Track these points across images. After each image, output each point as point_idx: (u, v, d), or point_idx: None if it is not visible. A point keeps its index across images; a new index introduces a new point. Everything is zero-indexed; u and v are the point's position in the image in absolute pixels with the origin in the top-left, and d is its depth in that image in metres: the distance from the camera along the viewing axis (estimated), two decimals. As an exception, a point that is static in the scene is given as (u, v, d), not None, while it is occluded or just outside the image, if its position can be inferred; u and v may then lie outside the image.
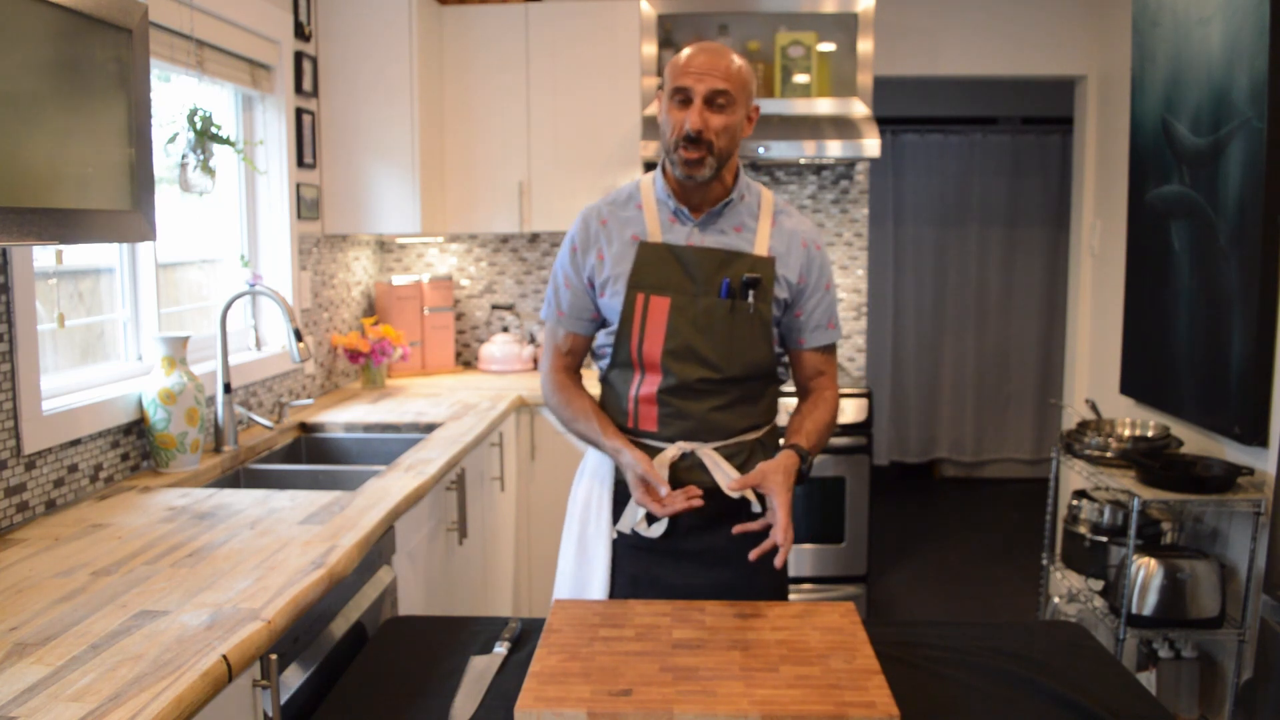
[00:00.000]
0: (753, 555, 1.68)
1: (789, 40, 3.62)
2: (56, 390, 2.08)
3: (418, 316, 3.79)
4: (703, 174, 1.78)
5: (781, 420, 1.95)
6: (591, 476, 1.91)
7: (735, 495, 1.77)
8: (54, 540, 1.76)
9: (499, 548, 3.15)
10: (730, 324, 1.80)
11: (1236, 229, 2.59)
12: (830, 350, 1.93)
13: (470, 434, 2.68)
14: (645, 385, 1.83)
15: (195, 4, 2.46)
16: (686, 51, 1.79)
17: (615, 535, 1.86)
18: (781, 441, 1.85)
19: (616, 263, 1.84)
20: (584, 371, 1.97)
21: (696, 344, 1.79)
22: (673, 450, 1.81)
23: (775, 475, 1.71)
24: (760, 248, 1.84)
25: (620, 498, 1.87)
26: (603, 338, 1.90)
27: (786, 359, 1.95)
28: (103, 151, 1.72)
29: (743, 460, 1.84)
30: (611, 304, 1.84)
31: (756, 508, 1.82)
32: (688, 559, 1.83)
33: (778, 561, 1.64)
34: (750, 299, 1.80)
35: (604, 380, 1.92)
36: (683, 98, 1.75)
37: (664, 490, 1.71)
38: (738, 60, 1.77)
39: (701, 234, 1.84)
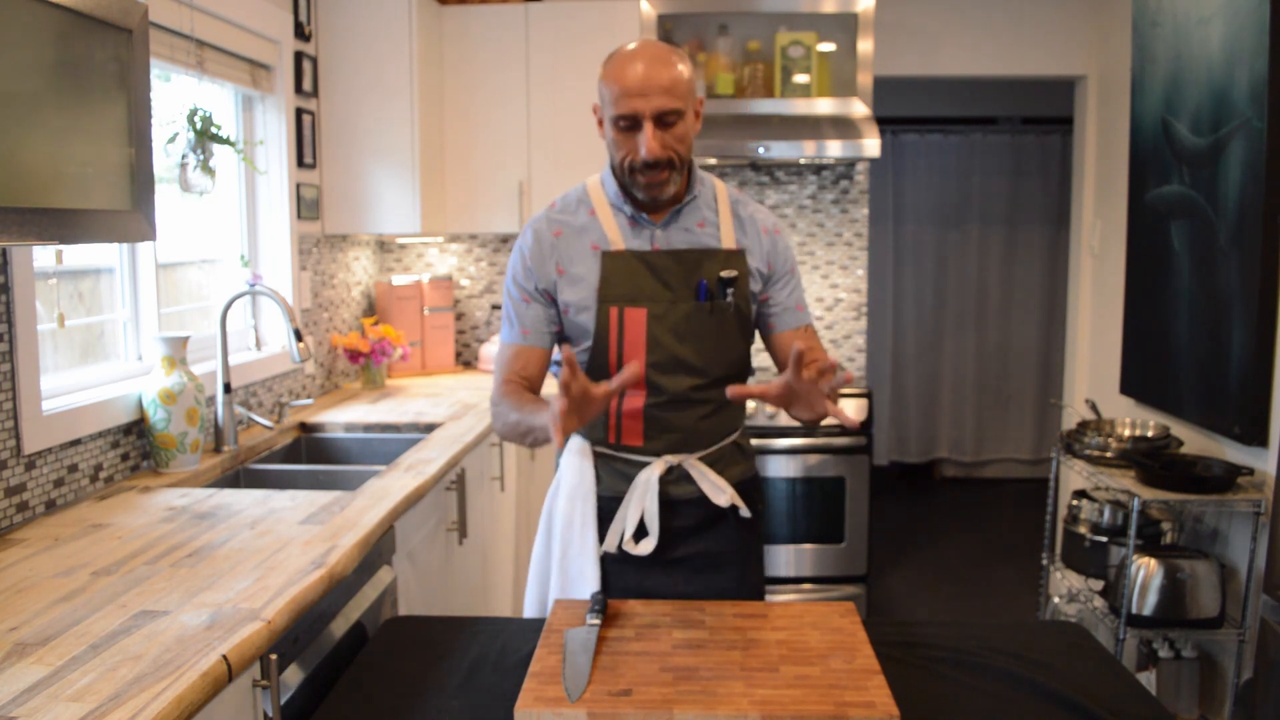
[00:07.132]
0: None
1: (789, 40, 3.62)
2: (56, 390, 2.08)
3: (418, 316, 3.79)
4: (669, 191, 1.70)
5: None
6: (571, 496, 1.81)
7: (724, 503, 1.76)
8: (54, 540, 1.76)
9: (499, 548, 3.15)
10: (712, 326, 1.74)
11: (1236, 229, 2.59)
12: (806, 330, 1.82)
13: (470, 434, 2.68)
14: (629, 400, 1.75)
15: (195, 4, 2.46)
16: (619, 62, 1.64)
17: (602, 554, 1.79)
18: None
19: (581, 277, 1.74)
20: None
21: (681, 353, 1.73)
22: (660, 465, 1.77)
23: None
24: (727, 240, 1.77)
25: (604, 515, 1.80)
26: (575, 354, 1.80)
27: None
28: (103, 151, 1.72)
29: (723, 466, 1.82)
30: (581, 322, 1.74)
31: (745, 513, 1.81)
32: (677, 567, 1.81)
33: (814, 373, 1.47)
34: (729, 297, 1.73)
35: None
36: (628, 124, 1.64)
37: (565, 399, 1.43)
38: (677, 62, 1.64)
39: (666, 236, 1.76)
